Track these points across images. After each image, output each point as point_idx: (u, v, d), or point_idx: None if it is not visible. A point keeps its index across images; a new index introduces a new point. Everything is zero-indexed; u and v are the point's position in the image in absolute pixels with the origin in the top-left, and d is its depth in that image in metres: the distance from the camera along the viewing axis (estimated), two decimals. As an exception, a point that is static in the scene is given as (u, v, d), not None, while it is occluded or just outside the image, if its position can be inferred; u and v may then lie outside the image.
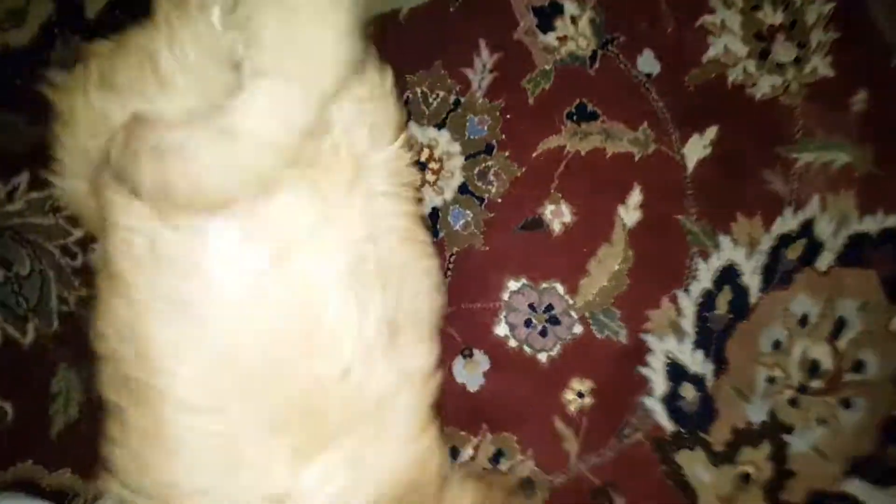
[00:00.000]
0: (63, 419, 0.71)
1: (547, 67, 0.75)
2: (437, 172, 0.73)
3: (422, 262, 0.52)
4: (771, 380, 0.74)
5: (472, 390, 0.73)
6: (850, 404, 0.74)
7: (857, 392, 0.74)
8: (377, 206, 0.49)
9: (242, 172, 0.42)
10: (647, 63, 0.75)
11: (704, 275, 0.74)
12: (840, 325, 0.75)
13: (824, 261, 0.75)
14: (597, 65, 0.74)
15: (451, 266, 0.73)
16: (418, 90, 0.74)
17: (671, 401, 0.73)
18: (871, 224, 0.75)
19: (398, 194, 0.51)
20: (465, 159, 0.74)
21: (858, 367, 0.74)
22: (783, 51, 0.75)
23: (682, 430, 0.73)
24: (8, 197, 0.77)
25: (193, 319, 0.43)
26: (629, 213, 0.74)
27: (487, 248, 0.73)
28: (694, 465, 0.73)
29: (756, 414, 0.74)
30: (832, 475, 0.74)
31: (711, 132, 0.75)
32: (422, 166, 0.74)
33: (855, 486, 0.73)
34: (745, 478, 0.74)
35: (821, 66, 0.74)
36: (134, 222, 0.44)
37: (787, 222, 0.75)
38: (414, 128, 0.74)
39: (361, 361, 0.46)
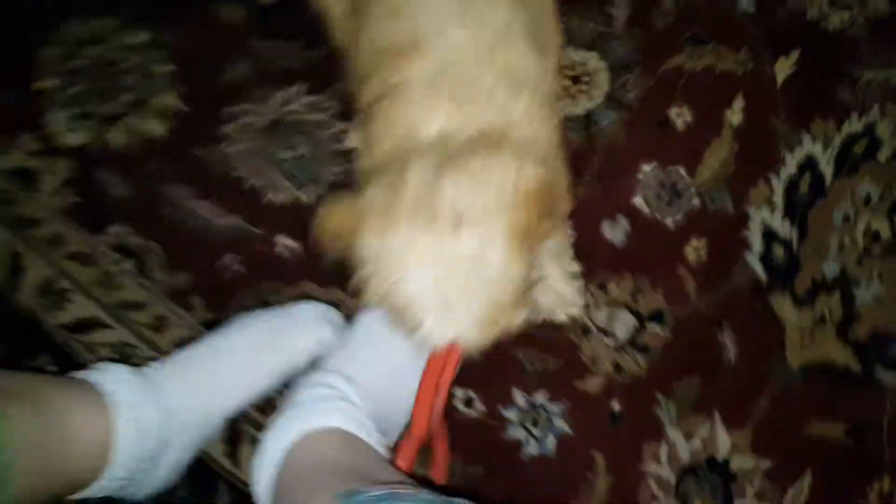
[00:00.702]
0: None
1: (670, 5, 1.02)
2: (588, 83, 1.01)
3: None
4: (841, 245, 1.01)
5: (616, 244, 1.00)
6: None
7: None
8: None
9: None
10: (746, 3, 1.03)
11: (791, 163, 1.01)
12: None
13: (883, 155, 1.02)
14: (705, 4, 1.02)
15: (602, 155, 1.00)
16: (573, 23, 1.02)
17: (766, 257, 1.00)
18: None
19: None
20: (610, 74, 1.02)
21: None
22: None
23: (773, 279, 1.00)
24: (286, 101, 1.06)
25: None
26: (734, 115, 1.01)
27: (628, 141, 1.01)
28: (783, 305, 0.99)
29: (830, 270, 1.00)
30: (890, 318, 1.00)
31: (794, 55, 1.02)
32: (576, 79, 1.02)
33: None
34: (822, 318, 1.00)
35: (880, 3, 1.01)
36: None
37: (854, 124, 1.02)
38: (570, 51, 1.02)
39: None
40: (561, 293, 0.88)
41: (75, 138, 1.00)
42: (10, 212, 0.99)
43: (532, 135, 0.63)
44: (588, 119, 0.97)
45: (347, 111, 0.96)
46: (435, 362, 0.64)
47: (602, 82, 0.98)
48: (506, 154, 0.57)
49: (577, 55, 0.99)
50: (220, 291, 0.96)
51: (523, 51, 0.65)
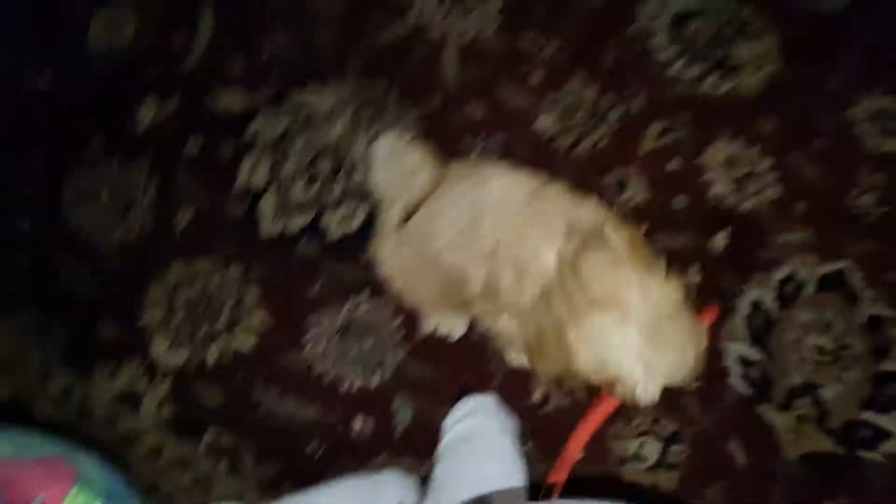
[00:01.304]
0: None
1: (625, 210, 1.54)
2: None
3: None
4: (799, 359, 1.41)
5: None
6: (847, 368, 1.41)
7: (850, 361, 1.41)
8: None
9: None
10: (680, 201, 1.55)
11: (743, 306, 1.45)
12: (829, 324, 1.44)
13: (809, 291, 1.47)
14: (651, 207, 1.54)
15: None
16: None
17: (746, 376, 1.39)
18: (828, 268, 1.49)
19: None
20: None
21: (846, 346, 1.43)
22: (751, 186, 1.57)
23: (755, 393, 1.38)
24: (355, 307, 1.47)
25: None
26: (692, 277, 1.47)
27: None
28: (770, 412, 1.36)
29: (796, 379, 1.39)
30: (853, 410, 1.38)
31: (723, 232, 1.52)
32: None
33: (870, 415, 1.37)
34: (802, 417, 1.37)
35: (773, 191, 1.55)
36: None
37: (781, 272, 1.49)
38: None
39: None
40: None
41: (175, 359, 1.35)
42: (114, 432, 1.27)
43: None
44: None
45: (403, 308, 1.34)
46: (598, 408, 0.95)
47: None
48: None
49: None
50: (307, 475, 1.24)
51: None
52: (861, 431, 1.27)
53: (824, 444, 1.25)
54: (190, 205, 1.52)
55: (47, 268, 1.60)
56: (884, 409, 1.30)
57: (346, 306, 1.35)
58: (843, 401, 1.29)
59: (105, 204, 1.51)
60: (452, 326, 1.27)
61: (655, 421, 1.25)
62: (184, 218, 1.52)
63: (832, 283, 1.42)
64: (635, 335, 0.84)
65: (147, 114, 1.57)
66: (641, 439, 1.24)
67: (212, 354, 1.31)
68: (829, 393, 1.30)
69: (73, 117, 1.70)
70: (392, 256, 1.14)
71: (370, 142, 1.18)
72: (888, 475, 1.24)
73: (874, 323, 1.37)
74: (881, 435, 1.27)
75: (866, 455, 1.25)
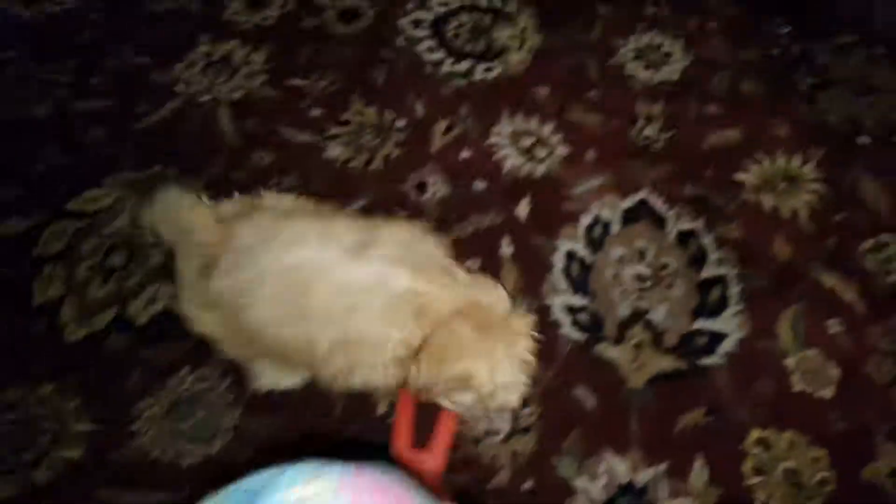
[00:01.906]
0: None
1: (432, 207, 1.63)
2: None
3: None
4: (622, 292, 1.51)
5: None
6: (671, 285, 1.52)
7: (671, 278, 1.52)
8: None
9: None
10: (479, 185, 1.66)
11: (558, 261, 1.55)
12: (642, 252, 1.55)
13: (615, 229, 1.59)
14: (455, 197, 1.64)
15: None
16: None
17: (576, 324, 1.47)
18: (628, 203, 1.61)
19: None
20: None
21: (664, 266, 1.54)
22: (540, 151, 1.69)
23: (589, 335, 1.46)
24: (179, 383, 1.49)
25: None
26: (506, 249, 1.57)
27: None
28: (606, 349, 1.44)
29: (624, 311, 1.49)
30: (682, 325, 1.47)
31: (525, 200, 1.63)
32: None
33: (701, 323, 1.47)
34: (638, 344, 1.45)
35: (562, 150, 1.68)
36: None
37: (585, 220, 1.60)
38: None
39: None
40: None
41: (5, 492, 1.33)
42: None
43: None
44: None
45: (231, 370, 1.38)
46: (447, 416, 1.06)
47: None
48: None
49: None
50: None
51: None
52: (697, 340, 1.36)
53: (665, 362, 1.34)
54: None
55: None
56: (713, 314, 1.39)
57: (170, 385, 1.37)
58: (673, 317, 1.39)
59: None
60: (284, 380, 1.29)
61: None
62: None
63: (636, 214, 1.59)
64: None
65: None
66: (492, 415, 1.28)
67: (41, 476, 1.28)
68: (658, 315, 1.40)
69: None
70: (204, 314, 1.15)
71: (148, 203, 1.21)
72: (730, 373, 1.33)
73: (683, 237, 1.48)
74: (716, 338, 1.37)
75: (707, 361, 1.34)
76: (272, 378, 1.32)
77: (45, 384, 1.43)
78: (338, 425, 1.32)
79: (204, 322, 1.15)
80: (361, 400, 1.35)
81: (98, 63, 1.83)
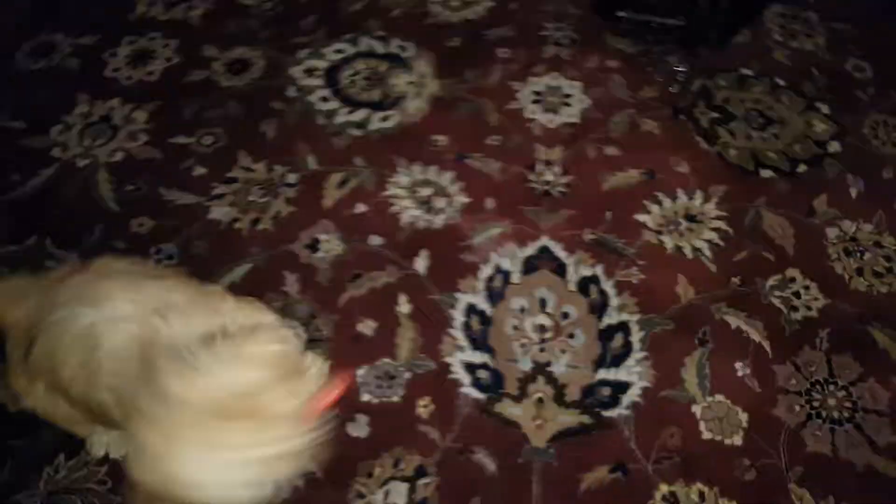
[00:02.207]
0: None
1: (325, 266, 1.55)
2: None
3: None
4: (522, 345, 1.45)
5: (363, 436, 1.35)
6: (573, 335, 1.46)
7: (573, 327, 1.47)
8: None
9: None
10: (375, 240, 1.59)
11: (458, 315, 1.48)
12: (543, 302, 1.50)
13: (516, 278, 1.53)
14: (349, 254, 1.57)
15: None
16: None
17: (476, 382, 1.40)
18: (528, 251, 1.56)
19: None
20: (303, 327, 1.48)
21: (565, 315, 1.48)
22: (439, 202, 1.64)
23: (490, 394, 1.39)
24: None
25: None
26: (403, 307, 1.49)
27: (336, 362, 1.44)
28: (507, 408, 1.37)
29: (525, 365, 1.42)
30: (587, 374, 1.41)
31: (424, 253, 1.57)
32: None
33: (604, 373, 1.41)
34: (540, 400, 1.39)
35: (462, 199, 1.63)
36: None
37: (485, 271, 1.54)
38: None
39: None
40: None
41: None
42: None
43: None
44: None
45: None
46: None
47: (300, 336, 1.42)
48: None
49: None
50: None
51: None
52: (600, 392, 1.30)
53: (568, 417, 1.28)
54: None
55: None
56: (615, 363, 1.34)
57: (42, 481, 1.25)
58: (576, 369, 1.33)
59: None
60: (115, 446, 1.19)
61: (395, 464, 1.21)
62: None
63: (536, 263, 1.55)
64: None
65: None
66: (385, 488, 1.19)
67: None
68: (559, 367, 1.34)
69: None
70: (30, 386, 1.07)
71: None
72: (636, 425, 1.27)
73: (584, 284, 1.44)
74: (620, 388, 1.32)
75: (611, 413, 1.28)
76: (101, 444, 1.26)
77: None
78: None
79: (33, 395, 1.08)
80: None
81: (-34, 129, 1.72)
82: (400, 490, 1.24)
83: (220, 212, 1.59)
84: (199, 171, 1.65)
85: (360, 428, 1.31)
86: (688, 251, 1.53)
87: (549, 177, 1.66)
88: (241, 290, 1.46)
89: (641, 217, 1.59)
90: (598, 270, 1.50)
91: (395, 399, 1.34)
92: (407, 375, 1.37)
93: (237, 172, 1.66)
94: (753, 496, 1.25)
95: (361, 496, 1.24)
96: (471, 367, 1.37)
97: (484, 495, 1.24)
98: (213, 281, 1.47)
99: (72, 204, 1.61)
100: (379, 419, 1.32)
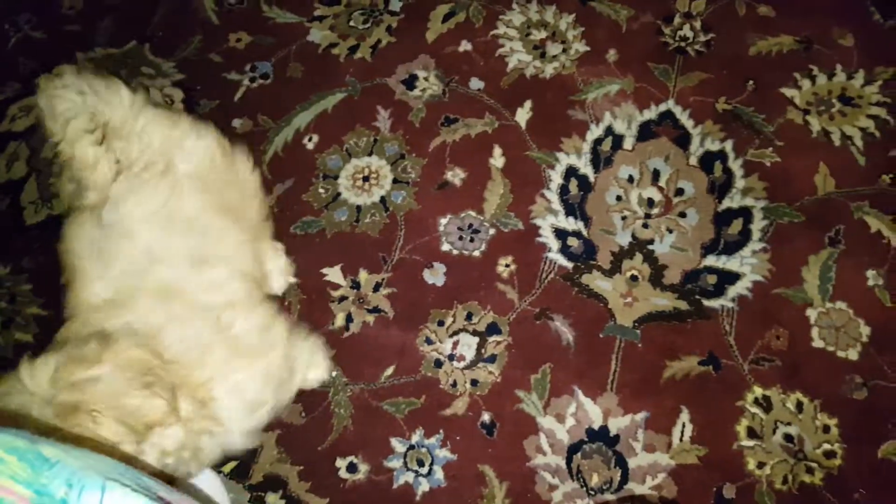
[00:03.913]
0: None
1: (420, 105, 1.44)
2: (377, 178, 1.38)
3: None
4: (623, 217, 1.31)
5: (439, 285, 1.28)
6: (684, 214, 1.30)
7: (686, 206, 1.31)
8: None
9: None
10: (476, 84, 1.45)
11: (555, 176, 1.35)
12: (656, 173, 1.34)
13: (628, 143, 1.37)
14: (447, 95, 1.44)
15: (403, 224, 1.33)
16: (352, 140, 1.42)
17: (565, 249, 1.29)
18: (649, 114, 1.39)
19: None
20: (391, 166, 1.39)
21: (680, 191, 1.32)
22: (553, 48, 1.46)
23: (578, 264, 1.27)
24: None
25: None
26: (497, 160, 1.37)
27: (420, 206, 1.35)
28: (595, 280, 1.26)
29: (623, 239, 1.29)
30: (690, 258, 1.26)
31: (528, 104, 1.42)
32: (366, 178, 1.39)
33: (713, 260, 1.26)
34: (634, 278, 1.26)
35: (580, 47, 1.45)
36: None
37: (595, 131, 1.39)
38: (356, 161, 1.40)
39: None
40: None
41: None
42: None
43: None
44: (384, 202, 1.31)
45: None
46: None
47: (386, 174, 1.34)
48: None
49: (361, 161, 1.35)
50: None
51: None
52: (704, 279, 1.17)
53: (663, 301, 1.15)
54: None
55: None
56: (728, 251, 1.19)
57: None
58: (681, 251, 1.19)
59: None
60: None
61: (468, 317, 1.14)
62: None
63: (656, 129, 1.38)
64: None
65: None
66: (455, 338, 1.14)
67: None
68: (662, 246, 1.20)
69: None
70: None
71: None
72: (738, 319, 1.14)
73: (708, 159, 1.27)
74: (727, 278, 1.18)
75: (712, 303, 1.15)
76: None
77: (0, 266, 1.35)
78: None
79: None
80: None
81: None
82: (469, 343, 1.18)
83: (318, 34, 1.48)
84: (297, -12, 1.53)
85: (436, 276, 1.24)
86: (836, 137, 1.30)
87: (686, 32, 1.44)
88: (331, 119, 1.37)
89: (788, 91, 1.36)
90: (727, 146, 1.31)
91: (476, 254, 1.26)
92: (491, 231, 1.27)
93: (339, -8, 1.53)
94: (857, 417, 1.11)
95: (429, 342, 1.19)
96: (561, 234, 1.26)
97: (556, 363, 1.16)
98: (302, 106, 1.39)
99: (172, 12, 1.54)
100: (456, 270, 1.25)
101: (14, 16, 1.62)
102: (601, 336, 1.19)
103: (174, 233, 0.94)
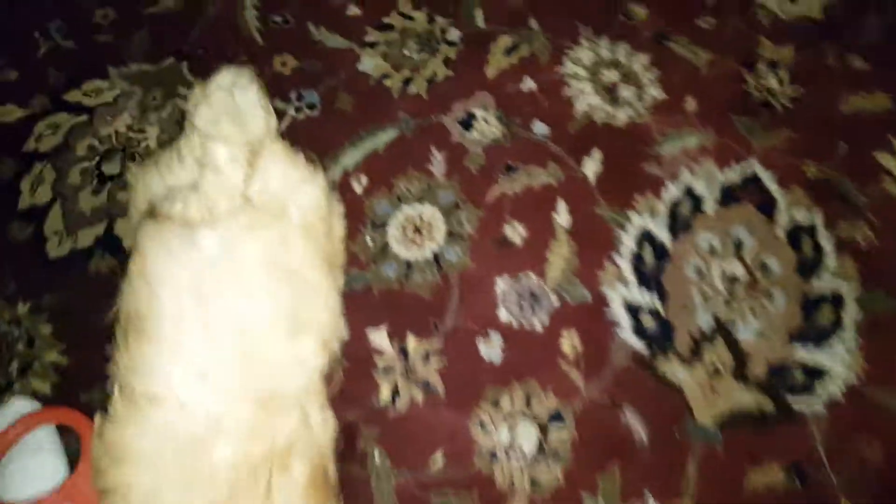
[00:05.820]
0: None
1: (479, 151, 1.17)
2: (429, 230, 1.11)
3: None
4: (704, 295, 1.05)
5: (496, 363, 1.03)
6: (770, 295, 1.04)
7: (771, 285, 1.05)
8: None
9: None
10: (540, 128, 1.18)
11: (627, 240, 1.09)
12: (739, 244, 1.07)
13: (709, 207, 1.10)
14: (508, 139, 1.17)
15: (457, 286, 1.08)
16: (402, 184, 1.16)
17: (638, 328, 1.03)
18: (731, 175, 1.12)
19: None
20: (445, 218, 1.13)
21: (764, 268, 1.06)
22: (625, 91, 1.19)
23: (653, 347, 1.02)
24: None
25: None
26: (561, 216, 1.11)
27: (475, 265, 1.09)
28: (672, 368, 1.01)
29: (704, 321, 1.03)
30: (778, 348, 1.01)
31: (596, 154, 1.15)
32: (418, 230, 1.13)
33: (801, 351, 1.00)
34: (716, 369, 1.01)
35: (655, 92, 1.17)
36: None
37: (671, 190, 1.12)
38: (407, 208, 1.14)
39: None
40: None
41: None
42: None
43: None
44: (437, 259, 1.05)
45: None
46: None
47: (440, 225, 1.08)
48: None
49: (413, 209, 1.09)
50: None
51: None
52: (791, 374, 0.90)
53: (747, 398, 0.89)
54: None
55: None
56: (816, 341, 0.92)
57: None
58: (764, 339, 0.93)
59: None
60: None
61: (527, 401, 0.89)
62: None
63: (739, 193, 1.12)
64: None
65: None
66: (512, 424, 0.89)
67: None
68: (746, 332, 0.93)
69: None
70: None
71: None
72: (829, 425, 0.88)
73: (796, 233, 0.99)
74: (816, 374, 0.91)
75: (800, 405, 0.89)
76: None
77: (20, 304, 1.11)
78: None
79: None
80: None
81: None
82: (530, 433, 0.94)
83: (369, 63, 1.21)
84: (353, 10, 1.27)
85: (492, 348, 0.99)
86: (938, 213, 1.03)
87: (772, 82, 1.15)
88: (382, 159, 1.11)
89: (883, 158, 1.08)
90: (817, 218, 1.03)
91: (538, 327, 1.00)
92: (554, 299, 1.02)
93: (394, 19, 1.25)
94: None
95: (483, 426, 0.93)
96: (634, 309, 1.00)
97: (626, 463, 0.91)
98: (352, 142, 1.13)
99: (212, 28, 1.27)
100: (515, 344, 1.00)
101: (46, 22, 1.35)
102: (677, 436, 0.94)
103: (280, 285, 0.77)
